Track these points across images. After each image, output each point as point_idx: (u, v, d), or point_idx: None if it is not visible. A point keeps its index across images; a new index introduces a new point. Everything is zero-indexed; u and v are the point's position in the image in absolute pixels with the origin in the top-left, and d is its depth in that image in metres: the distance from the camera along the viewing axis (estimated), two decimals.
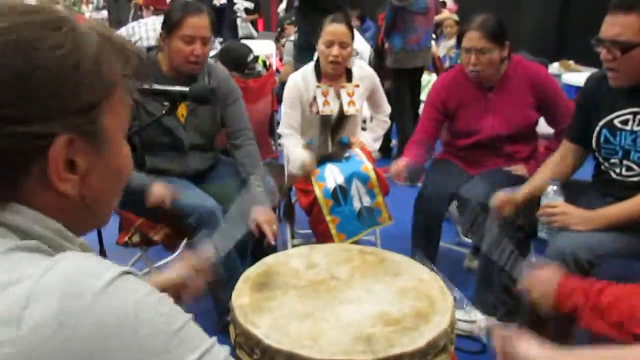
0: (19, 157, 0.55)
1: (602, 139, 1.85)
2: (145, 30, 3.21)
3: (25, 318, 0.48)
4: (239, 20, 6.90)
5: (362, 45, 4.87)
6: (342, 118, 2.59)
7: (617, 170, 1.83)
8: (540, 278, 1.35)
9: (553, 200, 1.82)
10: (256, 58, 3.55)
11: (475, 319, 2.23)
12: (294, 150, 2.50)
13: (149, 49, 2.19)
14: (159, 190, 2.01)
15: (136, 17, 3.90)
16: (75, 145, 0.57)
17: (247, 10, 7.18)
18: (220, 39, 5.57)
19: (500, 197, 2.00)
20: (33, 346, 0.47)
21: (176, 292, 1.11)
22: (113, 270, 0.53)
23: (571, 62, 5.26)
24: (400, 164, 2.30)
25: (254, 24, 7.47)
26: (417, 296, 1.44)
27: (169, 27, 2.07)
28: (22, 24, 0.55)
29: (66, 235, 0.60)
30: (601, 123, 1.85)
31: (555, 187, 1.83)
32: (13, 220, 0.56)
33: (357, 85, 2.58)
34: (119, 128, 0.63)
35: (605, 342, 1.16)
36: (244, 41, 4.39)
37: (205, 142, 2.30)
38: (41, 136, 0.55)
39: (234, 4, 6.93)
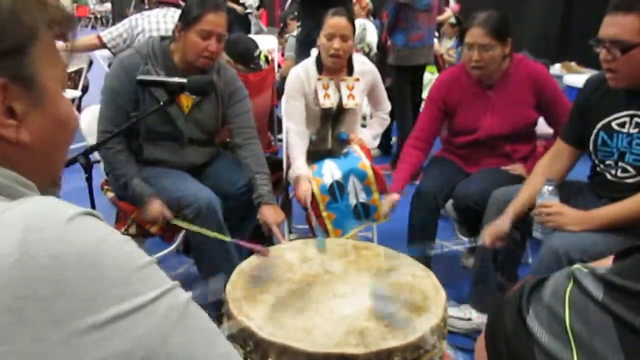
0: None
1: (599, 141, 1.86)
2: (148, 22, 3.19)
3: None
4: (251, 17, 6.85)
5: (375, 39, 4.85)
6: (342, 111, 2.59)
7: (613, 172, 1.84)
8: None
9: (548, 200, 1.83)
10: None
11: (469, 317, 2.24)
12: (297, 160, 2.48)
13: (163, 38, 2.19)
14: (156, 209, 2.04)
15: (139, 9, 3.90)
16: (9, 90, 0.60)
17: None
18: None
19: (489, 233, 1.98)
20: None
21: None
22: (77, 209, 0.54)
23: (573, 64, 5.25)
24: (389, 201, 2.32)
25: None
26: (411, 291, 1.45)
27: (187, 21, 2.08)
28: None
29: (23, 182, 0.62)
30: (599, 125, 1.85)
31: (550, 187, 1.84)
32: None
33: (358, 79, 2.58)
34: (54, 79, 0.66)
35: None
36: (250, 36, 4.38)
37: (205, 137, 2.30)
38: None
39: None
